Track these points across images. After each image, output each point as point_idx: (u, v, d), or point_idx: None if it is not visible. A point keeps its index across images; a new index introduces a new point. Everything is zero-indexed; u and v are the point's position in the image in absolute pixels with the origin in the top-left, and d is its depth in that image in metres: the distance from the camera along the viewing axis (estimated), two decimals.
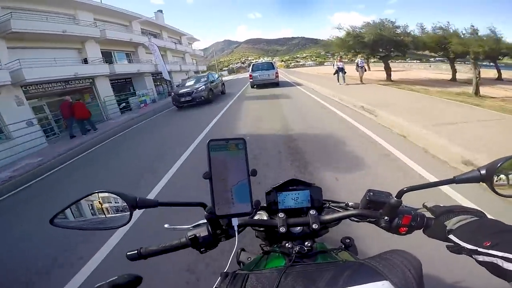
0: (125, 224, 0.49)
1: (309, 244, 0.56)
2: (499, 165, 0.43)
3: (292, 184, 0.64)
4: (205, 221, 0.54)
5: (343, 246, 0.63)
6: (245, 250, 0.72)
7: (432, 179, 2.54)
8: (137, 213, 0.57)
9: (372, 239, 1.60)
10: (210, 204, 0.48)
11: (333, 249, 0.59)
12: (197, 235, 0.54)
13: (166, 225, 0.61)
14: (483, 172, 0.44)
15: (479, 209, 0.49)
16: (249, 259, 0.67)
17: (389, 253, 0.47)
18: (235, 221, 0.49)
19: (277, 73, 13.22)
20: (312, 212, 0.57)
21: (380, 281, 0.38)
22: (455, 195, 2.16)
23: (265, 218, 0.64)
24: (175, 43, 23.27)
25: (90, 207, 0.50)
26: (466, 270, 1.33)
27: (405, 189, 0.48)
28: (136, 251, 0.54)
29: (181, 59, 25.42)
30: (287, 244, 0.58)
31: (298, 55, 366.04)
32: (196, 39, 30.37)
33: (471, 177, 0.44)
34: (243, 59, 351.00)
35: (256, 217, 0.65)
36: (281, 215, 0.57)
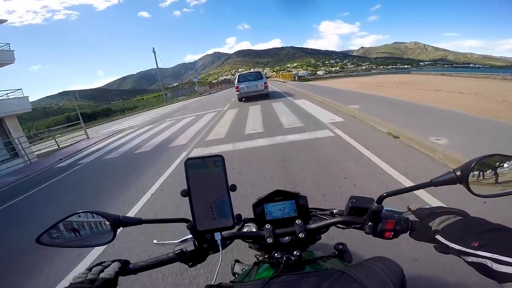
0: (109, 242, 0.51)
1: (297, 254, 0.57)
2: (472, 165, 0.42)
3: (278, 195, 0.63)
4: (191, 236, 0.55)
5: (336, 253, 0.64)
6: (239, 261, 0.76)
7: None
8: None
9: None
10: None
11: (322, 257, 0.60)
12: (184, 249, 0.55)
13: (155, 241, 0.65)
14: (458, 173, 0.43)
15: (461, 209, 0.50)
16: (243, 270, 0.70)
17: (371, 261, 0.49)
18: (217, 236, 0.51)
19: (266, 83, 12.24)
20: (297, 221, 0.58)
21: None
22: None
23: (254, 229, 0.65)
24: None
25: (75, 226, 0.51)
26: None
27: (384, 194, 0.48)
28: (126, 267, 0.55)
29: None
30: (276, 254, 0.58)
31: (288, 65, 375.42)
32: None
33: (447, 179, 0.44)
34: (233, 71, 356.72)
35: (245, 229, 0.67)
36: (267, 226, 0.58)
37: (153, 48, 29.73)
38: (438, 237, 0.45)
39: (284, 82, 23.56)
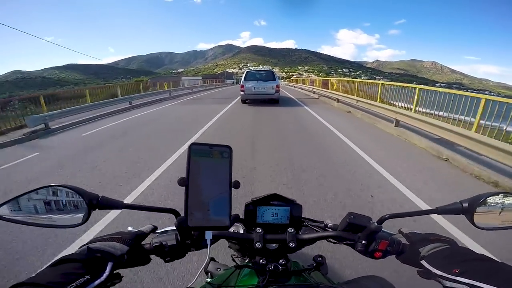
0: (79, 225, 0.44)
1: (283, 263, 0.55)
2: (481, 200, 0.46)
3: (273, 199, 0.60)
4: (174, 228, 0.51)
5: (314, 264, 0.62)
6: (214, 260, 0.72)
7: None
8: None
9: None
10: (182, 211, 0.43)
11: (307, 269, 0.59)
12: (164, 243, 0.49)
13: (129, 228, 0.55)
14: (465, 205, 0.46)
15: (451, 238, 0.50)
16: (218, 269, 0.68)
17: (363, 279, 0.50)
18: (208, 235, 0.45)
19: (278, 86, 10.21)
20: (290, 230, 0.57)
21: None
22: None
23: (241, 230, 0.61)
24: None
25: (43, 202, 0.44)
26: None
27: (387, 216, 0.49)
28: None
29: None
30: (261, 260, 0.55)
31: (299, 67, 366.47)
32: None
33: (453, 209, 0.47)
34: (241, 65, 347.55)
35: (231, 229, 0.61)
36: (258, 230, 0.56)
37: None
38: (423, 262, 0.46)
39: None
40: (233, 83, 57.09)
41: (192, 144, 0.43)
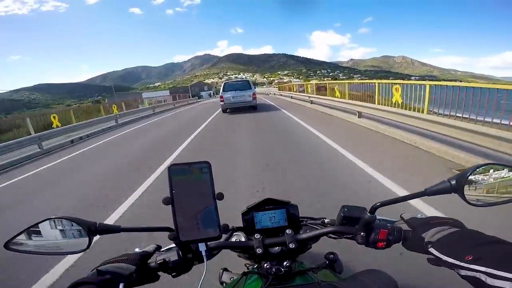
0: (84, 250, 0.47)
1: (287, 264, 0.56)
2: (468, 174, 0.44)
3: (268, 203, 0.62)
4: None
5: (327, 262, 0.62)
6: (227, 270, 0.73)
7: None
8: None
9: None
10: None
11: (313, 268, 0.59)
12: (167, 259, 0.51)
13: (136, 249, 0.56)
14: (453, 182, 0.44)
15: (455, 219, 0.49)
16: (231, 279, 0.68)
17: (364, 273, 0.49)
18: (202, 246, 0.47)
19: (254, 94, 10.94)
20: (288, 231, 0.57)
21: None
22: None
23: (243, 239, 0.63)
24: None
25: (48, 233, 0.48)
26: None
27: (378, 204, 0.49)
28: None
29: None
30: (265, 265, 0.57)
31: (279, 72, 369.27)
32: None
33: (442, 189, 0.45)
34: (221, 74, 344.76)
35: (233, 239, 0.63)
36: (257, 236, 0.57)
37: None
38: (432, 249, 0.44)
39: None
40: (209, 95, 49.38)
41: (172, 165, 0.45)
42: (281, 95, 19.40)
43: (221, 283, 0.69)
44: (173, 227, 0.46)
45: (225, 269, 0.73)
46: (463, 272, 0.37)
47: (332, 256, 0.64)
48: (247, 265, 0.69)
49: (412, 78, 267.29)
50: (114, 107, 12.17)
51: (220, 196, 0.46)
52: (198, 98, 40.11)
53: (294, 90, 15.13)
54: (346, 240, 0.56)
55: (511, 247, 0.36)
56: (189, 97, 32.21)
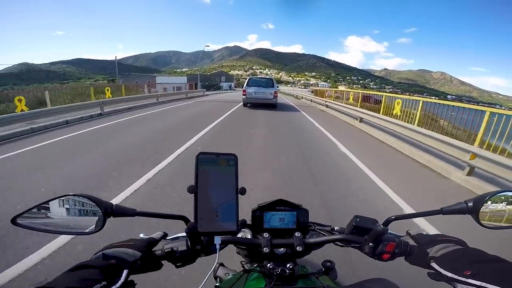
0: (96, 231, 0.46)
1: (291, 267, 0.56)
2: (486, 198, 0.45)
3: (279, 204, 0.62)
4: (185, 235, 0.52)
5: (323, 270, 0.63)
6: (223, 265, 0.72)
7: None
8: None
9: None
10: (192, 218, 0.46)
11: (314, 273, 0.59)
12: (175, 248, 0.51)
13: (141, 235, 0.56)
14: (470, 204, 0.46)
15: (460, 238, 0.50)
16: (227, 275, 0.68)
17: (370, 282, 0.49)
18: (217, 239, 0.47)
19: (276, 92, 11.13)
20: (297, 234, 0.57)
21: None
22: None
23: (249, 236, 0.62)
24: None
25: (61, 210, 0.47)
26: None
27: (392, 217, 0.50)
28: None
29: None
30: (268, 265, 0.57)
31: (306, 73, 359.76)
32: None
33: (458, 209, 0.46)
34: (247, 67, 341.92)
35: (239, 235, 0.62)
36: (266, 235, 0.57)
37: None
38: (433, 264, 0.46)
39: None
40: (230, 87, 45.33)
41: (200, 153, 0.45)
42: (327, 105, 12.16)
43: (216, 277, 0.68)
44: (185, 215, 0.48)
45: (221, 264, 0.72)
46: (460, 287, 0.39)
47: (330, 264, 0.62)
48: (243, 263, 0.68)
49: (448, 97, 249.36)
50: (107, 90, 10.32)
51: (243, 191, 0.46)
52: (216, 90, 36.80)
53: (351, 99, 9.91)
54: (343, 249, 0.57)
55: (510, 265, 0.37)
56: (194, 88, 24.11)
